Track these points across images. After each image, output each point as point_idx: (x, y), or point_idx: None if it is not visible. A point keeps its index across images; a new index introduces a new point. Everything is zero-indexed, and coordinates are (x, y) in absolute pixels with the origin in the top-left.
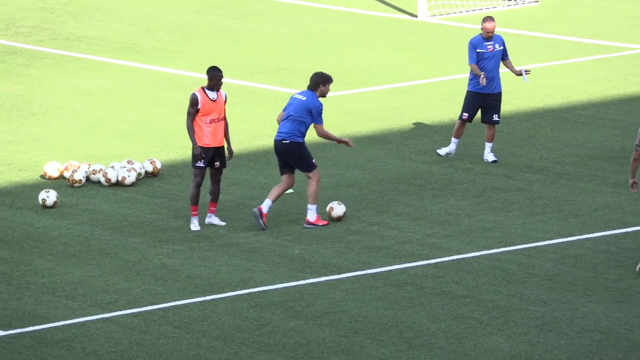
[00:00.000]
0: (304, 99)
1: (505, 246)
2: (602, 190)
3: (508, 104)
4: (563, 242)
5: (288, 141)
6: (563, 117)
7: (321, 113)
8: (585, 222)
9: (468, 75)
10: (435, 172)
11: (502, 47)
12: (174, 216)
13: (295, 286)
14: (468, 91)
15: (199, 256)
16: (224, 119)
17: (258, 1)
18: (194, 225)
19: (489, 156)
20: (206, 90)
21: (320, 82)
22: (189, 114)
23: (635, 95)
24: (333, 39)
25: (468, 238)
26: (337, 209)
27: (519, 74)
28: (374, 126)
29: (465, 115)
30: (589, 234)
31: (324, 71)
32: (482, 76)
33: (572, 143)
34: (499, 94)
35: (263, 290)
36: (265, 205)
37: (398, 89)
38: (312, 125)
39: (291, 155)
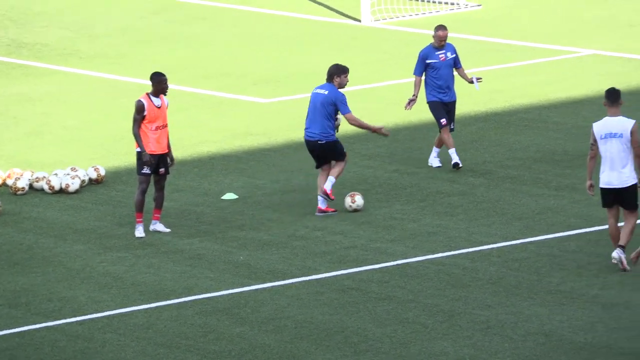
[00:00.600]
0: (326, 92)
1: (450, 250)
2: (545, 194)
3: None
4: (507, 246)
5: (324, 141)
6: (506, 121)
7: (346, 102)
8: (529, 226)
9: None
10: (380, 177)
11: (454, 55)
12: (118, 223)
13: (240, 292)
14: (430, 102)
15: (144, 263)
16: (167, 126)
17: (202, 6)
18: (139, 232)
19: (434, 161)
20: (151, 97)
21: (334, 74)
22: (135, 120)
23: (576, 98)
24: (278, 43)
25: (413, 242)
26: (359, 201)
27: (471, 81)
28: None
29: (444, 120)
30: (532, 237)
31: (339, 63)
32: (410, 99)
33: (515, 146)
34: (455, 102)
35: (208, 297)
36: (321, 201)
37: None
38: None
39: (329, 152)
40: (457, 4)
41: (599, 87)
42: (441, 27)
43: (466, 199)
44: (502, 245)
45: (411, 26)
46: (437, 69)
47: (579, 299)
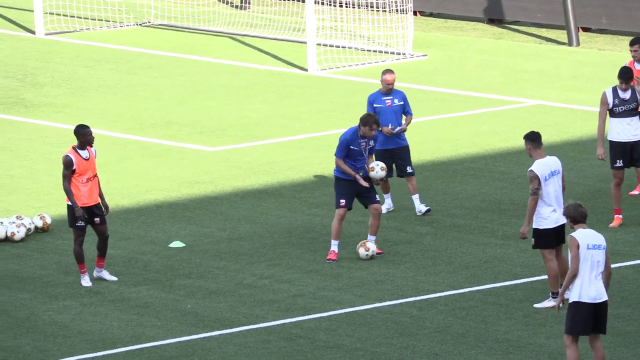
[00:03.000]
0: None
1: (397, 298)
2: (491, 242)
3: None
4: (454, 294)
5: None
6: (452, 170)
7: (341, 146)
8: (475, 274)
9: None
10: (327, 225)
11: (401, 102)
12: (64, 272)
13: (187, 341)
14: (376, 150)
15: (90, 312)
16: (97, 175)
17: (149, 56)
18: (85, 282)
19: (421, 207)
20: (78, 150)
21: (360, 123)
22: (65, 176)
23: (521, 147)
24: (225, 92)
25: (360, 291)
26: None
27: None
28: (266, 179)
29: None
30: (479, 285)
31: (370, 113)
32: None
33: (461, 195)
34: (406, 147)
35: (155, 346)
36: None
37: (289, 142)
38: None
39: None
40: (403, 53)
41: (544, 138)
42: (388, 71)
43: (413, 247)
44: (449, 294)
45: (357, 75)
46: (383, 113)
47: (525, 348)
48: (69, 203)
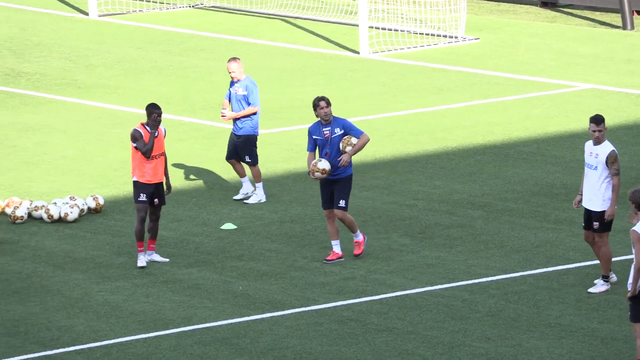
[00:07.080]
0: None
1: (449, 282)
2: (543, 227)
3: (449, 141)
4: (506, 278)
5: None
6: (504, 154)
7: (308, 138)
8: (527, 258)
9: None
10: (379, 208)
11: (245, 92)
12: (116, 252)
13: (239, 322)
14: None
15: (143, 292)
16: (164, 154)
17: (201, 38)
18: (140, 261)
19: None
20: (147, 127)
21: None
22: (136, 148)
23: (574, 131)
24: (277, 75)
25: (411, 274)
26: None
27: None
28: None
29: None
30: (531, 270)
31: (318, 95)
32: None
33: (513, 179)
34: (245, 137)
35: (207, 327)
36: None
37: None
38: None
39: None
40: (456, 37)
41: None
42: (234, 59)
43: (465, 231)
44: (500, 278)
45: (409, 59)
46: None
47: (577, 332)
48: (135, 179)
